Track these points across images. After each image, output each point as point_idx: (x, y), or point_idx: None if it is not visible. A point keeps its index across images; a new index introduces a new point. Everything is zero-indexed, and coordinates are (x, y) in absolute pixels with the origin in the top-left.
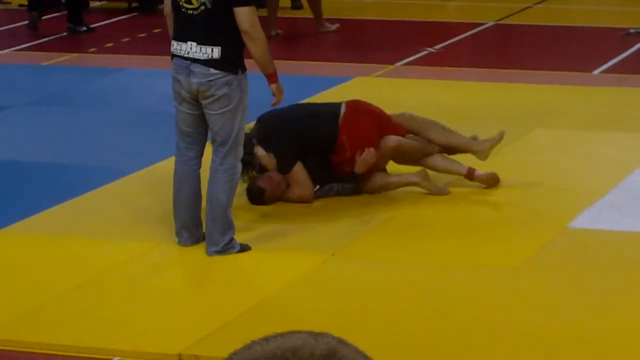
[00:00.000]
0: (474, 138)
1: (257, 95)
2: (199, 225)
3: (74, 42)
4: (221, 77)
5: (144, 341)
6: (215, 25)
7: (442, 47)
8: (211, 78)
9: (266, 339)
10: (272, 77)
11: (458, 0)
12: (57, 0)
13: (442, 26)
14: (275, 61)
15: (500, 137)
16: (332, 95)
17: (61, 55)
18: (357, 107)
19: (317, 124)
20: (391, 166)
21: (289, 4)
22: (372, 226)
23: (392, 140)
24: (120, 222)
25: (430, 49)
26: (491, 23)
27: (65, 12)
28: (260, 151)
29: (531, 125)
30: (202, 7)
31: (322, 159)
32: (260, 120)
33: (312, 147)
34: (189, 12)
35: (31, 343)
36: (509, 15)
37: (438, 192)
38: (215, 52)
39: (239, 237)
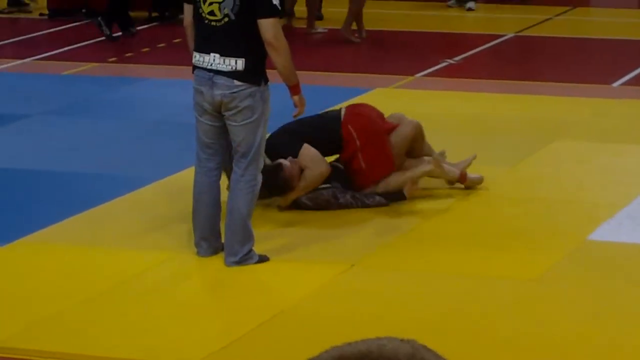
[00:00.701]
0: (441, 153)
1: (278, 106)
2: (218, 236)
3: (94, 51)
4: (245, 89)
5: (162, 351)
6: (239, 37)
7: (462, 59)
8: (235, 90)
9: (357, 341)
10: (295, 89)
11: (478, 12)
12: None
13: (462, 38)
14: (297, 72)
15: (471, 160)
16: None
17: (81, 65)
18: (357, 105)
19: (321, 126)
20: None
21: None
22: (392, 237)
23: (408, 125)
24: (139, 231)
25: (450, 61)
26: (511, 35)
27: (86, 21)
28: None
29: (550, 137)
30: (226, 19)
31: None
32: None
33: (320, 147)
34: (212, 23)
35: (49, 352)
36: (529, 27)
37: (452, 177)
38: (239, 63)
39: (259, 247)
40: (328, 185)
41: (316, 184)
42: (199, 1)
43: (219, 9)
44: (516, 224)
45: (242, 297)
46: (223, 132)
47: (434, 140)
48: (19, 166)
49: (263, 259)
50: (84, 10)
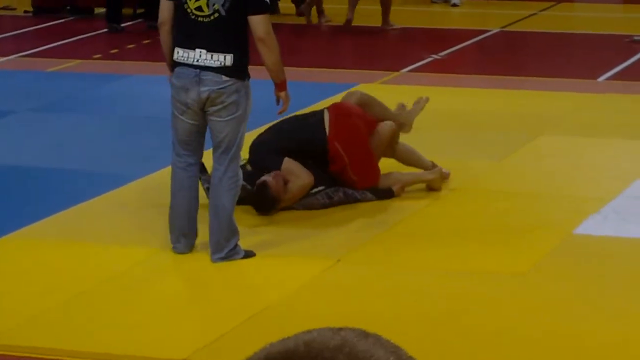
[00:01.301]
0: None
1: (265, 104)
2: (195, 232)
3: (79, 48)
4: (232, 84)
5: (149, 347)
6: (228, 33)
7: (447, 54)
8: (222, 85)
9: (291, 336)
10: (282, 85)
11: (463, 8)
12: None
13: (447, 33)
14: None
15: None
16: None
17: (66, 62)
18: (340, 111)
19: (305, 139)
20: (387, 164)
21: (294, 11)
22: (377, 232)
23: (387, 126)
24: (125, 228)
25: (435, 56)
26: (496, 30)
27: (70, 18)
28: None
29: (536, 132)
30: (216, 15)
31: (321, 168)
32: (252, 150)
33: (306, 162)
34: (200, 19)
35: (36, 348)
36: (514, 22)
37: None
38: (228, 59)
39: (244, 243)
40: (319, 188)
41: (301, 194)
42: None
43: (207, 4)
44: (502, 219)
45: (228, 293)
46: (202, 129)
47: (420, 135)
48: (4, 163)
49: (249, 254)
50: (68, 7)
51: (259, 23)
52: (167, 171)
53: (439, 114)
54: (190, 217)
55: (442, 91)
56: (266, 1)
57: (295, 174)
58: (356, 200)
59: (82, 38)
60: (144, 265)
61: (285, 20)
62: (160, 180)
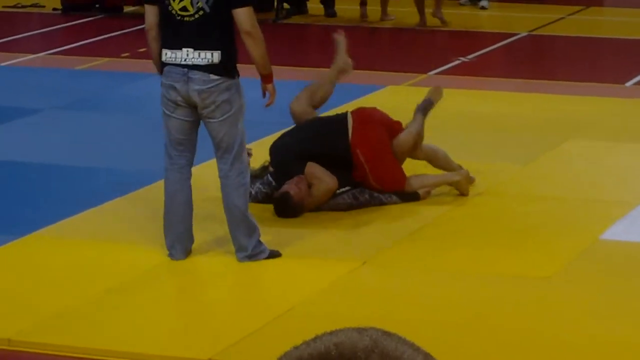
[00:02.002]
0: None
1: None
2: (190, 237)
3: (107, 46)
4: (221, 83)
5: (173, 346)
6: (214, 30)
7: (475, 57)
8: (211, 84)
9: (314, 338)
10: (269, 77)
11: (491, 11)
12: (92, 4)
13: (475, 36)
14: (308, 69)
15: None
16: (363, 104)
17: (94, 60)
18: (363, 117)
19: (328, 145)
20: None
21: (322, 12)
22: (403, 235)
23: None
24: (150, 227)
25: (463, 59)
26: (524, 34)
27: (99, 16)
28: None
29: (563, 136)
30: (201, 12)
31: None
32: (274, 152)
33: (330, 167)
34: (185, 19)
35: (61, 346)
36: (542, 26)
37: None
38: (216, 56)
39: (272, 245)
40: (345, 189)
41: (325, 198)
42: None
43: (192, 3)
44: (529, 223)
45: (253, 293)
46: (195, 127)
47: (446, 138)
48: (31, 160)
49: (275, 253)
50: (97, 5)
51: (244, 16)
52: (193, 170)
53: (466, 117)
54: (185, 222)
55: (469, 94)
56: None
57: (319, 178)
58: (381, 203)
59: (111, 36)
60: (170, 264)
61: (314, 21)
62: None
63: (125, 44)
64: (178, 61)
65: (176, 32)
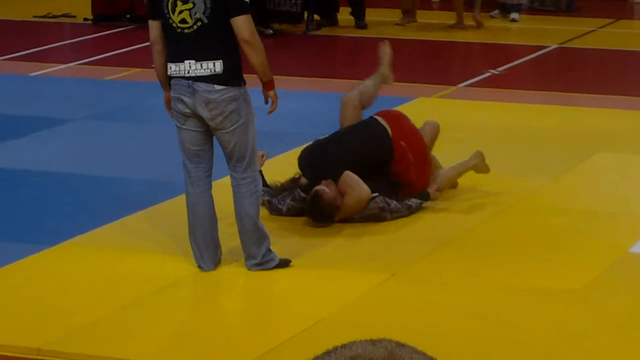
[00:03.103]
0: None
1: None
2: (217, 246)
3: (137, 56)
4: (226, 93)
5: (201, 357)
6: (213, 40)
7: (505, 70)
8: (216, 95)
9: (328, 352)
10: (270, 84)
11: (521, 23)
12: (123, 14)
13: (505, 48)
14: (340, 80)
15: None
16: None
17: (125, 70)
18: (391, 114)
19: (375, 148)
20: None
21: (353, 23)
22: (433, 247)
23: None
24: (178, 237)
25: (493, 71)
26: (554, 46)
27: (130, 26)
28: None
29: (593, 149)
30: (199, 23)
31: (380, 175)
32: (312, 165)
33: (368, 164)
34: (185, 31)
35: (89, 356)
36: (572, 39)
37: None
38: (218, 65)
39: (302, 256)
40: (375, 194)
41: (357, 208)
42: (168, 13)
43: (190, 15)
44: (558, 235)
45: (283, 304)
46: (208, 137)
47: (476, 150)
48: (63, 170)
49: (284, 262)
50: (128, 16)
51: (242, 24)
52: (224, 180)
53: (497, 130)
54: (210, 233)
55: (499, 107)
56: (247, 2)
57: (353, 187)
58: (409, 209)
59: (141, 46)
60: (197, 275)
61: (344, 33)
62: (217, 189)
63: None
64: (182, 74)
65: (178, 45)
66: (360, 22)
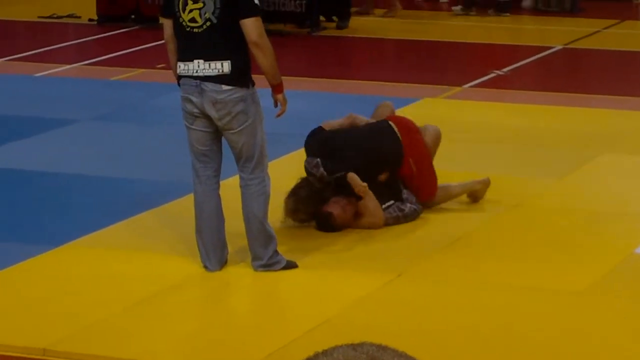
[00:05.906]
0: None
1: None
2: (224, 247)
3: (142, 57)
4: (234, 94)
5: (206, 357)
6: (222, 40)
7: (510, 70)
8: (224, 95)
9: (309, 359)
10: (279, 87)
11: (526, 24)
12: (128, 15)
13: (510, 49)
14: (345, 81)
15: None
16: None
17: (130, 71)
18: (405, 125)
19: (386, 151)
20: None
21: (359, 23)
22: (438, 247)
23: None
24: (183, 238)
25: (498, 72)
26: (559, 47)
27: (135, 27)
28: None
29: (598, 150)
30: (208, 23)
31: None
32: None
33: (378, 166)
34: (195, 30)
35: (95, 356)
36: (577, 40)
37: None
38: (226, 66)
39: (308, 257)
40: (389, 203)
41: (369, 228)
42: (178, 11)
43: (200, 14)
44: (563, 236)
45: (288, 305)
46: (216, 137)
47: (480, 151)
48: (67, 171)
49: (291, 264)
50: (133, 16)
51: (251, 26)
52: (230, 181)
53: (501, 130)
54: (217, 233)
55: (504, 107)
56: (256, 4)
57: (371, 212)
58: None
59: (146, 47)
60: (202, 275)
61: (349, 34)
62: (222, 190)
63: (161, 55)
64: (190, 73)
65: (187, 44)
66: (342, 22)
